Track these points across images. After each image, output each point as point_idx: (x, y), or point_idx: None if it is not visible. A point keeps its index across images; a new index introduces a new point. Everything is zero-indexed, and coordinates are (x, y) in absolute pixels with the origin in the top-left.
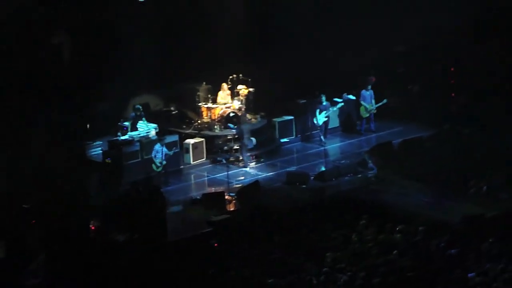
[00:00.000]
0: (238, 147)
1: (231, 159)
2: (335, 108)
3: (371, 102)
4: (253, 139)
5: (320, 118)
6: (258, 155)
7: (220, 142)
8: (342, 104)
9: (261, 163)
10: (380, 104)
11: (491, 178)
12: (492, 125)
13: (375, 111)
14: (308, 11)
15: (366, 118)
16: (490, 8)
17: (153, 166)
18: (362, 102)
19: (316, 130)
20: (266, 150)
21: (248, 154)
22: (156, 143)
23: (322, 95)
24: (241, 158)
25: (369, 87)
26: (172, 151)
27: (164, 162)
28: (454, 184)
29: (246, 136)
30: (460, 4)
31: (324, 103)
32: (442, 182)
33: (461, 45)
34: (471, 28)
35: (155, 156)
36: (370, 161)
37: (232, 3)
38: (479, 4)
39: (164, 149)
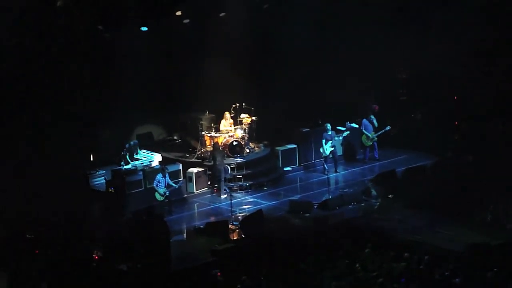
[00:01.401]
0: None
1: (235, 187)
2: (341, 137)
3: (372, 131)
4: (228, 167)
5: (327, 148)
6: (261, 183)
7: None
8: (348, 132)
9: (264, 191)
10: (383, 131)
11: (495, 207)
12: (495, 152)
13: (376, 139)
14: (311, 39)
15: (370, 146)
16: (492, 35)
17: (156, 195)
18: (364, 131)
19: (320, 159)
20: (269, 178)
21: (224, 183)
22: (158, 173)
23: (327, 124)
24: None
25: (372, 116)
26: (178, 185)
27: (167, 193)
28: (458, 212)
29: (220, 164)
30: (463, 31)
31: (329, 132)
32: (446, 211)
33: (464, 73)
34: (474, 55)
35: (156, 186)
36: (373, 190)
37: (234, 32)
38: (481, 32)
39: (167, 179)
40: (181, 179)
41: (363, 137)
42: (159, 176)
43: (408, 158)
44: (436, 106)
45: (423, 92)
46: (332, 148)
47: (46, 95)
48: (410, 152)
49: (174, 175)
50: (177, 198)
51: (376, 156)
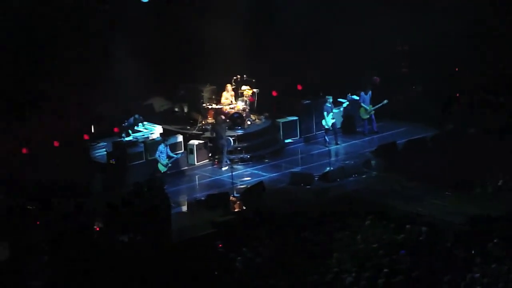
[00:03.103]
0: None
1: (236, 159)
2: (341, 108)
3: (369, 104)
4: (230, 139)
5: (329, 120)
6: (262, 155)
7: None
8: (347, 103)
9: (265, 163)
10: (380, 105)
11: (496, 179)
12: (496, 125)
13: (373, 112)
14: (311, 11)
15: (368, 119)
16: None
17: (159, 166)
18: (362, 104)
19: (321, 131)
20: (270, 151)
21: (226, 155)
22: (160, 144)
23: (329, 97)
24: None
25: (369, 90)
26: (179, 155)
27: (170, 164)
28: (459, 184)
29: (222, 136)
30: (463, 5)
31: (329, 105)
32: (447, 183)
33: (465, 45)
34: (475, 28)
35: (159, 157)
36: (374, 162)
37: (236, 4)
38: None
39: (168, 150)
40: (182, 150)
41: (361, 110)
42: (161, 147)
43: (409, 130)
44: (437, 78)
45: (424, 64)
46: (333, 120)
47: (47, 63)
48: (411, 124)
49: (174, 147)
50: (177, 170)
51: (375, 129)
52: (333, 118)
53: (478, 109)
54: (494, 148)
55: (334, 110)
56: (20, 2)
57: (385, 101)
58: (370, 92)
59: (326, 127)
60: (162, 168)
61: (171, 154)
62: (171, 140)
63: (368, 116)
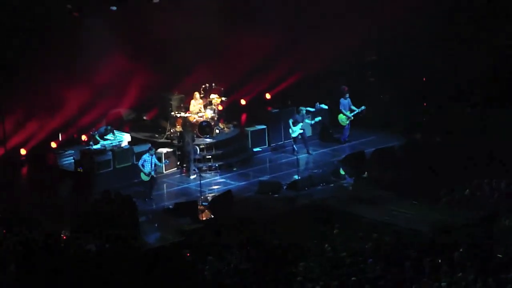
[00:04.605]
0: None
1: (204, 168)
2: (313, 122)
3: (348, 110)
4: (197, 147)
5: (295, 130)
6: (231, 164)
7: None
8: (320, 118)
9: (234, 172)
10: (359, 110)
11: (462, 188)
12: (462, 133)
13: (352, 119)
14: (279, 21)
15: (347, 126)
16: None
17: (142, 175)
18: (343, 110)
19: (289, 139)
20: (238, 159)
21: (193, 163)
22: (145, 153)
23: (302, 108)
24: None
25: (347, 95)
26: (164, 163)
27: (153, 173)
28: (426, 193)
29: (190, 144)
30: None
31: (300, 115)
32: (414, 192)
33: (432, 54)
34: (441, 36)
35: (142, 165)
36: (342, 171)
37: (204, 13)
38: (448, 13)
39: (154, 159)
40: (166, 159)
41: (341, 117)
42: (146, 156)
43: (377, 140)
44: (404, 87)
45: (391, 74)
46: (301, 131)
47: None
48: (379, 133)
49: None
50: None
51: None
52: (301, 129)
53: (445, 118)
54: (460, 157)
55: (307, 121)
56: None
57: (363, 107)
58: (349, 99)
59: (292, 135)
60: (144, 177)
61: (158, 163)
62: (138, 149)
63: (348, 123)
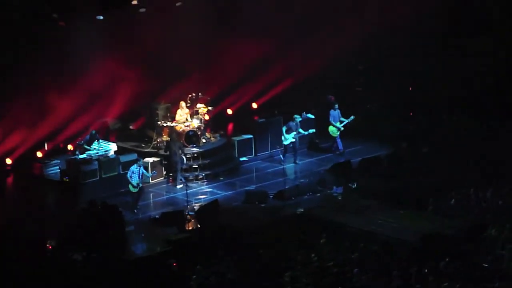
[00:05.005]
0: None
1: (191, 177)
2: (306, 133)
3: (338, 121)
4: (184, 157)
5: (288, 137)
6: (217, 173)
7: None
8: (314, 130)
9: (220, 181)
10: (349, 120)
11: (449, 197)
12: (449, 143)
13: (342, 129)
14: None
15: (337, 136)
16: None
17: (130, 186)
18: (332, 122)
19: (276, 149)
20: (225, 169)
21: (180, 173)
22: (133, 164)
23: (297, 117)
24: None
25: (336, 106)
26: (152, 174)
27: (141, 184)
28: (412, 202)
29: (176, 154)
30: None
31: (295, 124)
32: (401, 201)
33: (419, 64)
34: (429, 48)
35: (130, 177)
36: (329, 180)
37: (191, 20)
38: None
39: (142, 170)
40: (154, 170)
41: (332, 129)
42: (134, 167)
43: (364, 149)
44: (391, 97)
45: (378, 83)
46: (294, 140)
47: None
48: (366, 142)
49: (130, 165)
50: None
51: (334, 148)
52: (294, 138)
53: (432, 128)
54: (447, 167)
55: (301, 131)
56: None
57: (352, 117)
58: (338, 110)
59: (284, 143)
60: (132, 189)
61: (146, 174)
62: (125, 158)
63: (338, 133)
